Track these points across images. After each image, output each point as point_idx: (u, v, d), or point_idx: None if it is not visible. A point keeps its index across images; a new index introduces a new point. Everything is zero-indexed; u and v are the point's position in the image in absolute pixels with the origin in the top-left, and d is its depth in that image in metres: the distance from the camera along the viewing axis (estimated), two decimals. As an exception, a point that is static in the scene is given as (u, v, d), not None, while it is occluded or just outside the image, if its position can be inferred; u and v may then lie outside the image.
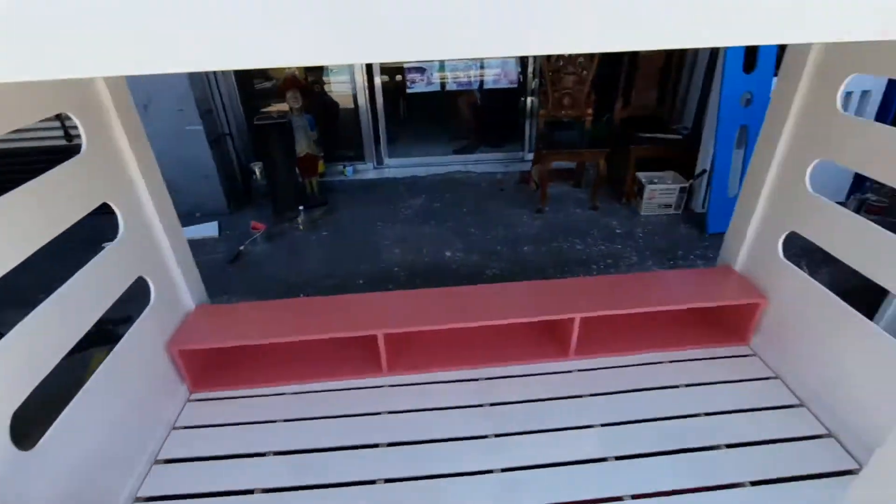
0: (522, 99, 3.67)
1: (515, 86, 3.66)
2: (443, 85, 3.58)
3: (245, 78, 3.58)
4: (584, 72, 3.05)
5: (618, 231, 2.94)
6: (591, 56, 3.00)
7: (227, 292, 2.44)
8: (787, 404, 1.48)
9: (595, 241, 2.83)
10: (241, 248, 2.82)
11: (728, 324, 1.72)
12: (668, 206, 3.13)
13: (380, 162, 3.86)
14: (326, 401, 1.48)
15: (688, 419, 1.43)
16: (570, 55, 3.00)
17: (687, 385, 1.54)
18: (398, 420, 1.41)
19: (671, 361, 1.62)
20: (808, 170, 1.40)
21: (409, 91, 3.61)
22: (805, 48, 1.32)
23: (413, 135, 4.27)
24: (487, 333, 1.68)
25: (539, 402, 1.48)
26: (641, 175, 3.24)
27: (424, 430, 1.37)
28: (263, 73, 3.91)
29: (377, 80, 3.52)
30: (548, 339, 1.69)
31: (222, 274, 2.62)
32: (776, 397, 1.49)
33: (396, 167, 3.83)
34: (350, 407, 1.46)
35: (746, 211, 1.62)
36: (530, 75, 3.53)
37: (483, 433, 1.37)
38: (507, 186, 3.60)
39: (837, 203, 1.35)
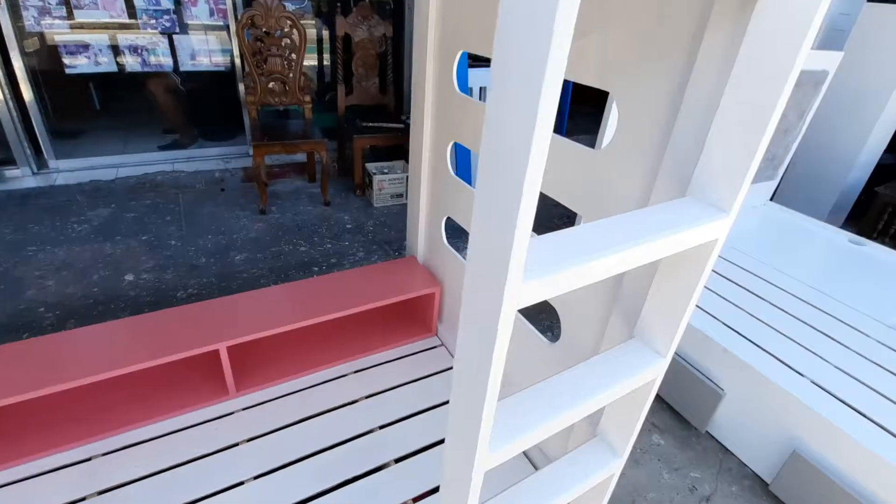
0: (241, 85, 3.21)
1: (223, 69, 3.17)
2: (121, 66, 2.85)
3: None
4: (292, 54, 2.77)
5: (349, 226, 2.79)
6: (299, 37, 2.73)
7: None
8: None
9: (322, 239, 2.62)
10: None
11: (416, 316, 1.65)
12: (399, 195, 3.12)
13: (42, 166, 2.91)
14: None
15: (364, 437, 1.28)
16: (272, 33, 2.67)
17: (368, 396, 1.40)
18: None
19: (356, 372, 1.47)
20: (448, 153, 1.38)
21: (69, 73, 2.77)
22: (423, 25, 1.25)
23: (102, 129, 3.37)
24: (105, 390, 1.26)
25: (173, 470, 1.14)
26: (371, 166, 3.15)
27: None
28: None
29: (17, 63, 2.60)
30: (202, 377, 1.36)
31: None
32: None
33: (70, 171, 2.93)
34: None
35: (415, 199, 1.56)
36: (237, 58, 3.09)
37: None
38: (228, 186, 3.11)
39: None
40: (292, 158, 3.35)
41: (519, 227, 0.37)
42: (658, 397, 1.82)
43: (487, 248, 0.41)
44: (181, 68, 3.02)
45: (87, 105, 3.28)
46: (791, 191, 3.48)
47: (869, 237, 3.01)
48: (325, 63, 3.92)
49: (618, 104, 0.77)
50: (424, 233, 1.58)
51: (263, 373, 1.38)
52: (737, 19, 0.58)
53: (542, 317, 2.05)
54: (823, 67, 2.42)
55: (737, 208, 0.59)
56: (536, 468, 1.24)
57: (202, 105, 3.34)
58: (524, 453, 1.27)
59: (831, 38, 3.56)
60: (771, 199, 3.53)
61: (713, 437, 1.68)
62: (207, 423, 1.23)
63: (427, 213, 1.53)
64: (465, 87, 2.78)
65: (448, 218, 1.44)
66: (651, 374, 0.73)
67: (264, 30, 2.65)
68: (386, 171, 3.14)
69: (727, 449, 1.64)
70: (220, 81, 3.22)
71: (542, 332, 1.26)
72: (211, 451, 1.17)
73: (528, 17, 0.33)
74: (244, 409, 1.30)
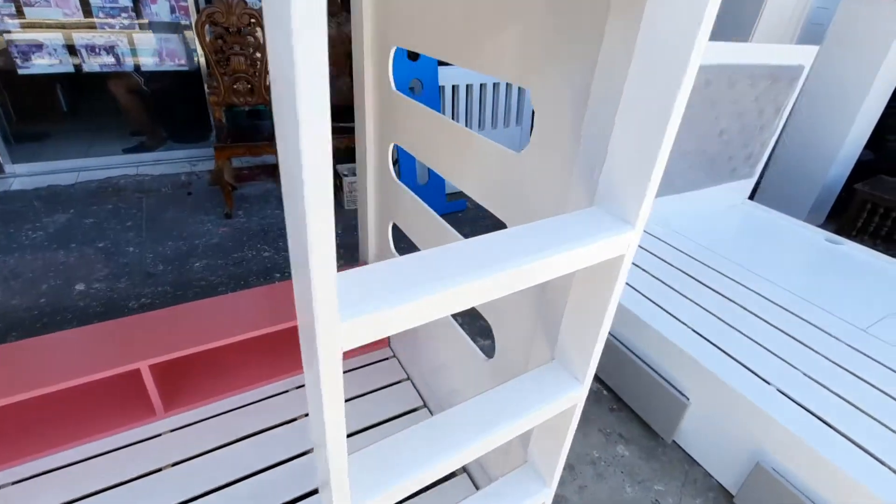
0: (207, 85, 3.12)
1: (188, 68, 3.07)
2: (77, 66, 2.75)
3: None
4: (257, 53, 2.68)
5: (317, 230, 2.71)
6: (263, 35, 2.64)
7: None
8: (412, 408, 1.39)
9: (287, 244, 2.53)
10: None
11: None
12: (371, 197, 3.04)
13: (-3, 169, 2.82)
14: None
15: (303, 457, 1.21)
16: (234, 30, 2.59)
17: (308, 413, 1.32)
18: None
19: (298, 388, 1.40)
20: (389, 156, 1.31)
21: (21, 73, 2.67)
22: (359, 20, 1.18)
23: (65, 132, 3.27)
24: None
25: (88, 499, 1.07)
26: (342, 167, 3.07)
27: None
28: None
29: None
30: (128, 397, 1.28)
31: None
32: (404, 402, 1.40)
33: (28, 175, 2.84)
34: None
35: (363, 204, 1.48)
36: (201, 57, 3.00)
37: None
38: (196, 189, 3.02)
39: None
40: (263, 160, 3.26)
41: (314, 258, 0.30)
42: (626, 406, 1.76)
43: (299, 282, 0.35)
44: (143, 68, 2.92)
45: (49, 107, 3.17)
46: (773, 188, 3.43)
47: (849, 235, 2.96)
48: (299, 62, 3.83)
49: (534, 103, 0.70)
50: (374, 239, 1.50)
51: (197, 391, 1.30)
52: (633, 8, 0.51)
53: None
54: (799, 62, 2.36)
55: (642, 221, 0.52)
56: (477, 487, 1.17)
57: (168, 106, 3.24)
58: (465, 470, 1.20)
59: (810, 33, 3.51)
60: (752, 198, 3.48)
61: (680, 447, 1.62)
62: (130, 447, 1.16)
63: (374, 218, 1.46)
64: (435, 86, 2.70)
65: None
66: (567, 402, 0.66)
67: (226, 27, 2.56)
68: (352, 172, 3.06)
69: (694, 459, 1.58)
70: (187, 81, 3.12)
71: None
72: (130, 477, 1.10)
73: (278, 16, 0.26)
74: (172, 430, 1.23)
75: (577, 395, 0.66)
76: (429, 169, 2.84)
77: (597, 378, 1.87)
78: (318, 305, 0.32)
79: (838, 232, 3.04)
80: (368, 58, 1.19)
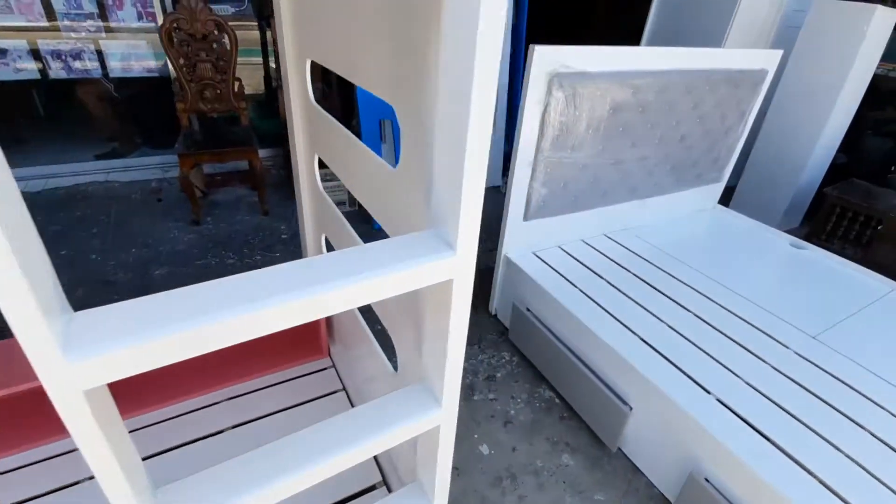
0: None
1: (158, 74, 3.08)
2: (44, 73, 2.76)
3: None
4: (223, 62, 2.68)
5: (284, 236, 2.71)
6: (230, 41, 2.64)
7: None
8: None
9: (253, 251, 2.53)
10: None
11: (304, 337, 1.57)
12: (342, 203, 3.04)
13: (-34, 177, 2.80)
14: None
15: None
16: (200, 37, 2.59)
17: (236, 426, 1.32)
18: None
19: (229, 399, 1.39)
20: (315, 169, 1.30)
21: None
22: (280, 29, 1.17)
23: (36, 139, 3.27)
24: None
25: None
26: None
27: None
28: None
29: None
30: (47, 412, 1.27)
31: None
32: (334, 414, 1.40)
33: (-3, 182, 2.84)
34: None
35: (301, 217, 1.48)
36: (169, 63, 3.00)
37: None
38: (166, 196, 3.03)
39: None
40: (236, 166, 3.26)
41: (10, 292, 0.30)
42: (576, 415, 1.75)
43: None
44: (112, 74, 2.93)
45: (19, 114, 3.18)
46: (748, 193, 3.42)
47: (820, 239, 2.95)
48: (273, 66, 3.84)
49: (399, 121, 0.69)
50: (312, 251, 1.50)
51: (128, 402, 1.30)
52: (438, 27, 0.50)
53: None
54: (762, 66, 2.35)
55: (466, 246, 0.52)
56: (390, 489, 1.16)
57: (140, 112, 3.25)
58: (379, 469, 1.20)
59: (786, 36, 3.49)
60: (728, 202, 3.47)
61: (626, 456, 1.61)
62: (44, 462, 1.16)
63: (310, 229, 1.45)
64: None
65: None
66: (427, 424, 0.66)
67: (191, 34, 2.57)
68: (328, 177, 3.05)
69: (638, 469, 1.57)
70: (157, 88, 3.13)
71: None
72: (42, 492, 1.09)
73: None
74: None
75: (438, 417, 0.66)
76: (397, 174, 2.83)
77: (549, 386, 1.86)
78: (36, 344, 0.32)
79: (810, 236, 3.03)
80: (291, 68, 1.19)
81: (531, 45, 1.57)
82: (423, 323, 0.65)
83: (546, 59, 1.61)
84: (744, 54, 2.25)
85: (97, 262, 2.35)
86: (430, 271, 0.51)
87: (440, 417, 0.66)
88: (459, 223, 0.49)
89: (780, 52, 2.39)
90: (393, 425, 0.62)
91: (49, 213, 2.71)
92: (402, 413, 0.64)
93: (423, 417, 0.64)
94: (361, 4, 0.71)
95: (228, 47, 2.66)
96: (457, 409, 0.70)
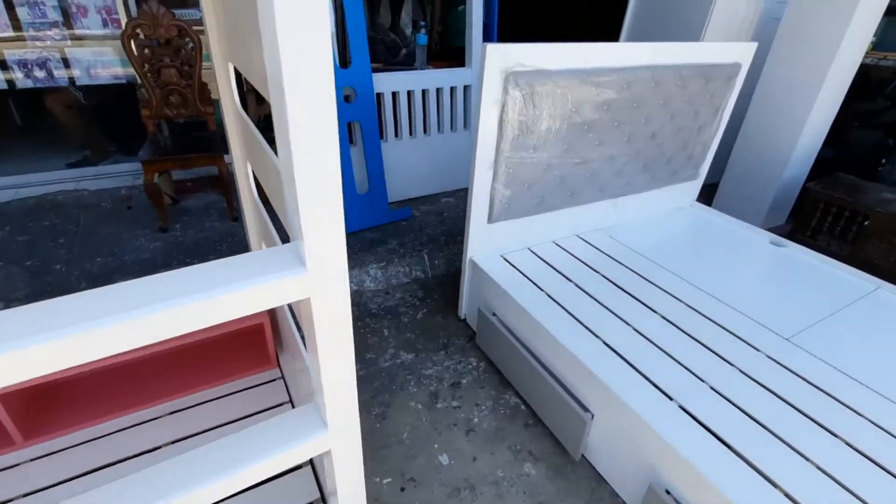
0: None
1: (125, 81, 3.03)
2: (10, 82, 2.72)
3: None
4: (188, 67, 2.64)
5: (254, 242, 2.66)
6: (195, 46, 2.60)
7: None
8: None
9: (220, 258, 2.48)
10: None
11: (252, 348, 1.52)
12: (316, 207, 2.99)
13: (-71, 189, 2.77)
14: None
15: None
16: (163, 42, 2.55)
17: (174, 441, 1.27)
18: None
19: (171, 413, 1.34)
20: (250, 176, 1.26)
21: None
22: (210, 32, 1.13)
23: (6, 148, 3.22)
24: None
25: None
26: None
27: None
28: None
29: None
30: None
31: None
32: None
33: (-38, 193, 2.80)
34: None
35: (247, 222, 1.44)
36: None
37: None
38: (137, 203, 2.98)
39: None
40: (209, 171, 3.22)
41: None
42: (540, 422, 1.70)
43: None
44: (79, 82, 2.88)
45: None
46: (731, 190, 3.36)
47: (804, 235, 2.90)
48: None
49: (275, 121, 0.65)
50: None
51: (62, 418, 1.25)
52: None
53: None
54: (735, 60, 2.30)
55: (324, 261, 0.47)
56: (325, 498, 1.11)
57: (109, 120, 3.20)
58: (313, 473, 1.15)
59: (769, 28, 3.44)
60: (711, 200, 3.42)
61: (591, 464, 1.56)
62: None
63: (255, 237, 1.41)
64: (370, 94, 2.65)
65: None
66: (313, 448, 0.61)
67: (153, 39, 2.52)
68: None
69: (602, 478, 1.52)
70: (125, 94, 3.09)
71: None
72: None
73: None
74: (32, 460, 1.18)
75: (325, 441, 0.61)
76: (369, 178, 2.79)
77: (515, 393, 1.81)
78: None
79: (795, 232, 2.97)
80: (220, 74, 1.15)
81: (483, 44, 1.52)
82: (308, 341, 0.61)
83: (500, 56, 1.56)
84: (715, 48, 2.20)
85: (61, 272, 2.30)
86: (277, 290, 0.46)
87: (328, 441, 0.61)
88: (305, 237, 0.45)
89: (754, 45, 2.34)
90: (271, 451, 0.57)
91: (18, 223, 2.67)
92: (284, 437, 0.59)
93: (305, 441, 0.59)
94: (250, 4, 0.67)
95: (193, 52, 2.62)
96: (356, 432, 0.65)
